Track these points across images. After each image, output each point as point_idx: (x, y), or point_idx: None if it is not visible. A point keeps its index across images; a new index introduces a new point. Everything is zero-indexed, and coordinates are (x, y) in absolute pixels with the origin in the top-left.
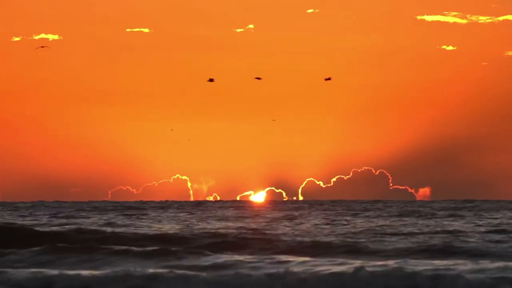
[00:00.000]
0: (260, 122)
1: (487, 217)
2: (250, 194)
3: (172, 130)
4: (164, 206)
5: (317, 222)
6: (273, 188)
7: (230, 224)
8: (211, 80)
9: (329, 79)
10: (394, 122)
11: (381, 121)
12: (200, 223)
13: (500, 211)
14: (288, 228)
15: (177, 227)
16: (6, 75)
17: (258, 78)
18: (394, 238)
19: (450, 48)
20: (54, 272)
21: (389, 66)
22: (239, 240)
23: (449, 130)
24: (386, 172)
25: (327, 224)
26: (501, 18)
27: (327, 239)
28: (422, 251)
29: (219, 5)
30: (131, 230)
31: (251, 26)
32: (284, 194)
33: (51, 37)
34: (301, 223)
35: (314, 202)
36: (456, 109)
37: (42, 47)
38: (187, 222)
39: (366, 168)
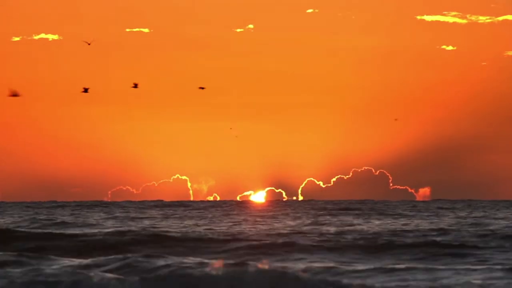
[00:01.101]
0: (260, 122)
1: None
2: (250, 194)
3: (231, 129)
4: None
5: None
6: (273, 188)
7: (141, 225)
8: (85, 90)
9: (202, 88)
10: (394, 122)
11: (381, 121)
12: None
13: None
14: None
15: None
16: (5, 75)
17: (85, 90)
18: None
19: (450, 48)
20: None
21: (389, 66)
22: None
23: (449, 130)
24: (386, 172)
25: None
26: (500, 18)
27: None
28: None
29: (219, 5)
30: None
31: (251, 26)
32: (284, 194)
33: (51, 37)
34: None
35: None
36: (456, 109)
37: (89, 44)
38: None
39: (366, 168)
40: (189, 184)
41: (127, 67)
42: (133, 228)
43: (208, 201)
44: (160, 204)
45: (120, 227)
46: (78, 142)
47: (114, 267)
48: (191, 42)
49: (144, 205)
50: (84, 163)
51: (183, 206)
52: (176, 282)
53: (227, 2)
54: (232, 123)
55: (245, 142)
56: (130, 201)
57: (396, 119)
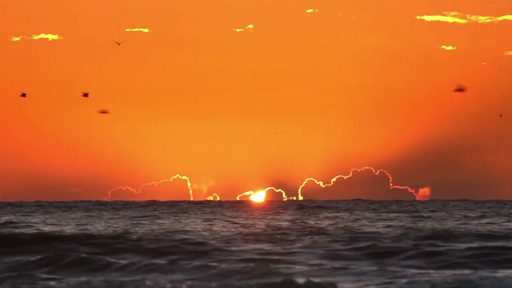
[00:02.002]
0: (260, 122)
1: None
2: (250, 194)
3: (282, 131)
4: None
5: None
6: (272, 188)
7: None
8: (85, 95)
9: (86, 95)
10: (394, 122)
11: (381, 121)
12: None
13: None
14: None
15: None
16: (5, 75)
17: (85, 95)
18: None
19: (450, 48)
20: None
21: (389, 66)
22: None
23: (449, 131)
24: (386, 172)
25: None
26: (500, 18)
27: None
28: None
29: (219, 5)
30: None
31: (251, 26)
32: (284, 194)
33: (50, 37)
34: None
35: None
36: (456, 109)
37: (119, 44)
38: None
39: (366, 168)
40: (189, 184)
41: (127, 67)
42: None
43: (208, 201)
44: (138, 205)
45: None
46: (78, 142)
47: None
48: (191, 42)
49: (127, 206)
50: (84, 163)
51: (171, 206)
52: None
53: (227, 2)
54: (232, 123)
55: (245, 142)
56: (126, 201)
57: (501, 115)
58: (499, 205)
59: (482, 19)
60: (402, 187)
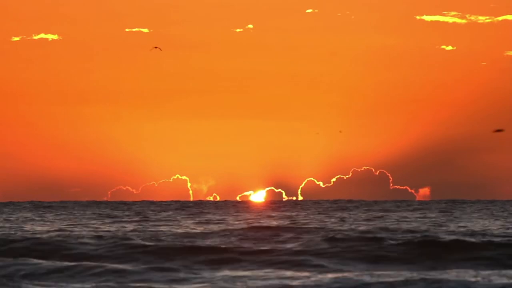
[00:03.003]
0: (260, 121)
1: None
2: (250, 194)
3: (317, 133)
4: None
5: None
6: (272, 188)
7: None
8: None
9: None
10: (393, 122)
11: (381, 121)
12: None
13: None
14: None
15: None
16: (5, 75)
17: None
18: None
19: (450, 48)
20: None
21: (388, 66)
22: None
23: (449, 131)
24: (386, 172)
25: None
26: (500, 18)
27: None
28: None
29: (219, 5)
30: None
31: (250, 26)
32: (283, 194)
33: (50, 37)
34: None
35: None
36: (456, 110)
37: (156, 47)
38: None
39: (366, 168)
40: (189, 184)
41: (127, 67)
42: None
43: (208, 200)
44: (128, 204)
45: None
46: (78, 142)
47: None
48: (191, 42)
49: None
50: (84, 163)
51: (160, 206)
52: None
53: (227, 2)
54: (232, 123)
55: (245, 142)
56: (126, 201)
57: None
58: (493, 205)
59: (482, 19)
60: (402, 187)
